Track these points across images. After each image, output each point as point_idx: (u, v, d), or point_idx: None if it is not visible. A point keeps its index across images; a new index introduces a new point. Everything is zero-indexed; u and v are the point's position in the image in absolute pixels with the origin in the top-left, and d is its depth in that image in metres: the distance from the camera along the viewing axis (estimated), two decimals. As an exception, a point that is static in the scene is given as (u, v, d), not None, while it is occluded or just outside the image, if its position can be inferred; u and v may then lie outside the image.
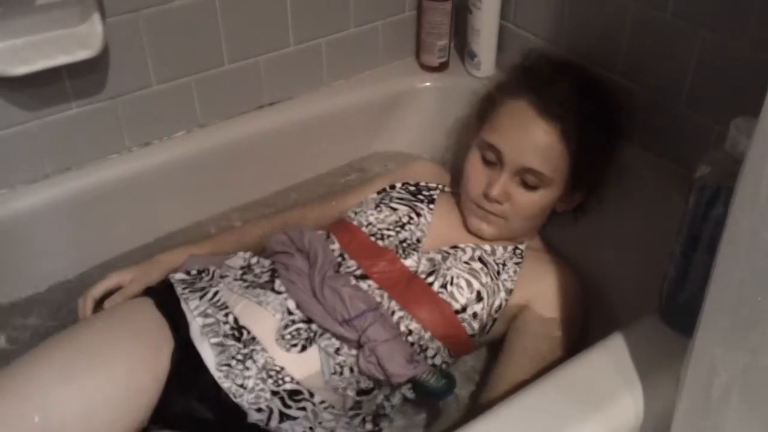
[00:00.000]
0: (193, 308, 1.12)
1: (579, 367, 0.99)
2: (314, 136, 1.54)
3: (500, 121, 1.24)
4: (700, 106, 1.23)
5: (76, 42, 1.21)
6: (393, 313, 1.14)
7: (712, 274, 0.78)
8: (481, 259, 1.22)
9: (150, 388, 1.04)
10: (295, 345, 1.08)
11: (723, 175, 0.87)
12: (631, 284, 1.24)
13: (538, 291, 1.23)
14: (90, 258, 1.37)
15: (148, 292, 1.17)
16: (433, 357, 1.16)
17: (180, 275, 1.19)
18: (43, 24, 1.19)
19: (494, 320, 1.20)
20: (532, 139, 1.20)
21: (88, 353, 1.02)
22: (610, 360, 0.99)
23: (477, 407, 1.14)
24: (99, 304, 1.19)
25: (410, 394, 1.11)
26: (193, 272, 1.20)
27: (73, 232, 1.34)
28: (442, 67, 1.64)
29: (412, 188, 1.36)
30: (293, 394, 1.06)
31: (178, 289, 1.15)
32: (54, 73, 1.22)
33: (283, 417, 1.04)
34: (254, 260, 1.22)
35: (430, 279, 1.18)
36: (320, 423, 1.05)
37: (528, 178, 1.21)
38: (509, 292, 1.21)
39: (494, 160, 1.23)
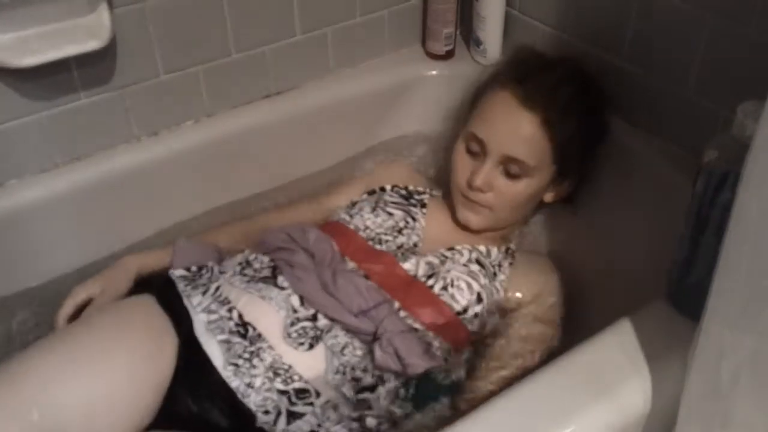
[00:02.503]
0: (195, 304, 1.11)
1: (587, 352, 0.99)
2: (321, 125, 1.54)
3: (483, 112, 1.25)
4: (708, 91, 1.23)
5: (84, 32, 1.21)
6: (398, 311, 1.14)
7: (720, 258, 0.78)
8: (478, 261, 1.22)
9: (153, 387, 1.03)
10: (302, 343, 1.07)
11: (731, 160, 0.87)
12: (640, 269, 1.24)
13: (527, 290, 1.24)
14: (99, 247, 1.37)
15: (149, 288, 1.16)
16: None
17: (180, 272, 1.19)
18: (50, 14, 1.19)
19: (492, 318, 1.20)
20: (514, 128, 1.20)
21: (89, 352, 1.01)
22: (618, 344, 0.99)
23: (462, 402, 1.13)
24: (73, 319, 1.17)
25: (409, 392, 1.10)
26: (194, 269, 1.20)
27: (82, 221, 1.35)
28: (448, 55, 1.63)
29: (403, 192, 1.36)
30: (300, 392, 1.05)
31: (180, 286, 1.15)
32: (62, 63, 1.22)
33: (290, 417, 1.03)
34: (252, 257, 1.21)
35: (431, 282, 1.17)
36: (328, 418, 1.05)
37: (511, 168, 1.21)
38: (505, 291, 1.23)
39: (478, 151, 1.24)
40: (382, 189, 1.38)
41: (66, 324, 1.15)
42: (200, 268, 1.20)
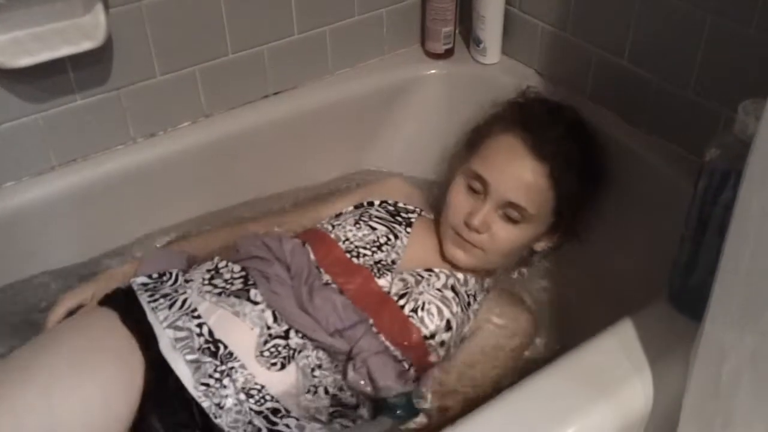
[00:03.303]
0: (162, 319, 1.08)
1: (589, 353, 0.99)
2: (320, 125, 1.54)
3: (489, 153, 1.23)
4: (709, 90, 1.22)
5: (80, 33, 1.20)
6: (372, 327, 1.12)
7: (722, 258, 0.78)
8: (453, 288, 1.20)
9: (125, 414, 1.00)
10: (274, 363, 1.05)
11: (732, 159, 0.86)
12: (641, 269, 1.23)
13: (497, 320, 1.22)
14: (96, 250, 1.37)
15: (109, 302, 1.13)
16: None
17: (141, 278, 1.16)
18: (46, 15, 1.19)
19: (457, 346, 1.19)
20: (520, 174, 1.19)
21: (61, 382, 0.98)
22: (619, 345, 0.99)
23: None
24: None
25: (369, 413, 1.09)
26: (155, 276, 1.17)
27: (79, 223, 1.34)
28: (447, 54, 1.63)
29: (390, 208, 1.34)
30: (275, 412, 1.04)
31: (143, 298, 1.12)
32: (58, 64, 1.21)
33: None
34: (222, 264, 1.19)
35: (402, 302, 1.15)
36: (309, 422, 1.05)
37: (511, 213, 1.20)
38: (474, 318, 1.21)
39: (479, 190, 1.22)
40: (370, 203, 1.35)
41: None
42: (161, 275, 1.17)
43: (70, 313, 1.17)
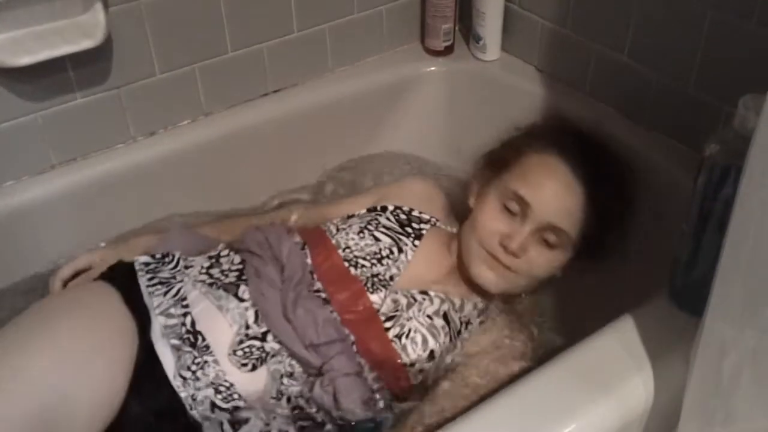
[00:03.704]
0: (156, 305, 1.09)
1: (589, 350, 0.98)
2: (320, 123, 1.54)
3: (530, 173, 1.17)
4: (709, 85, 1.22)
5: (79, 31, 1.20)
6: (352, 345, 1.09)
7: (722, 253, 0.77)
8: (445, 316, 1.16)
9: (125, 390, 1.01)
10: (245, 364, 1.05)
11: (732, 154, 0.86)
12: (641, 265, 1.23)
13: (483, 353, 1.18)
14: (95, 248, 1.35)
15: (112, 278, 1.13)
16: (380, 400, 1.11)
17: (145, 258, 1.16)
18: (45, 14, 1.19)
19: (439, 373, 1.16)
20: (563, 197, 1.15)
21: (72, 356, 0.98)
22: (620, 342, 0.99)
23: None
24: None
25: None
26: (158, 256, 1.17)
27: (79, 222, 1.34)
28: (447, 51, 1.62)
29: (403, 216, 1.28)
30: (239, 409, 1.04)
31: (143, 280, 1.12)
32: (57, 63, 1.21)
33: (235, 426, 1.02)
34: (225, 252, 1.19)
35: (388, 324, 1.12)
36: (274, 418, 1.04)
37: (549, 237, 1.15)
38: (462, 349, 1.18)
39: (517, 211, 1.16)
40: (384, 208, 1.29)
41: (60, 285, 1.19)
42: (165, 256, 1.17)
43: (76, 274, 1.20)
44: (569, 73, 1.46)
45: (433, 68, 1.62)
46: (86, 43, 1.20)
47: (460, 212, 1.32)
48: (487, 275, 1.18)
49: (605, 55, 1.36)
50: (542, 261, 1.17)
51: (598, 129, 1.26)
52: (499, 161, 1.25)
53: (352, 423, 1.05)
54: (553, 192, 1.15)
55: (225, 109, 1.45)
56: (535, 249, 1.16)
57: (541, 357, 1.19)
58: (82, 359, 0.99)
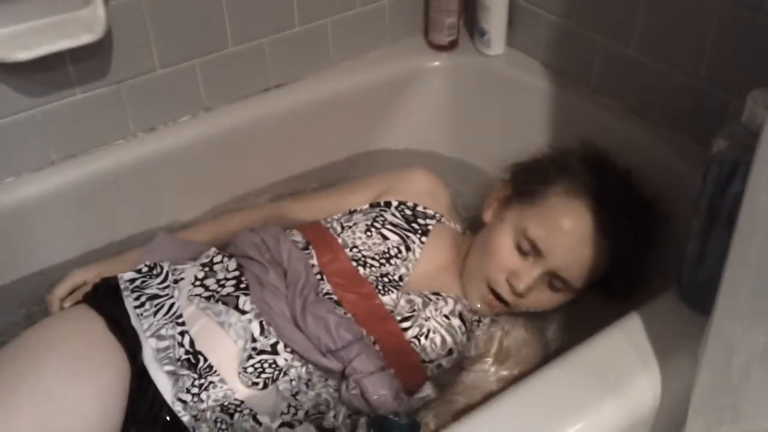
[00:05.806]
0: (146, 327, 1.04)
1: (597, 347, 0.98)
2: (322, 118, 1.53)
3: (551, 218, 1.14)
4: (717, 79, 1.20)
5: (79, 26, 1.19)
6: (373, 344, 1.08)
7: (731, 250, 0.77)
8: (461, 315, 1.15)
9: (118, 424, 0.99)
10: (256, 383, 1.01)
11: (741, 149, 0.85)
12: (649, 262, 1.22)
13: (498, 348, 1.17)
14: (96, 245, 1.36)
15: (95, 301, 1.08)
16: None
17: (129, 274, 1.11)
18: (45, 8, 1.18)
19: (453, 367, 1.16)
20: (580, 251, 1.13)
21: (60, 405, 0.95)
22: (627, 340, 0.98)
23: None
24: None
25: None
26: (144, 269, 1.12)
27: (79, 218, 1.34)
28: (451, 46, 1.61)
29: (408, 212, 1.25)
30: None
31: (129, 300, 1.07)
32: (57, 58, 1.20)
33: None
34: (218, 258, 1.15)
35: (405, 324, 1.10)
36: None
37: (556, 283, 1.15)
38: (476, 346, 1.17)
39: (529, 252, 1.14)
40: (387, 204, 1.27)
41: (58, 304, 1.16)
42: (151, 269, 1.12)
43: (75, 290, 1.18)
44: (575, 68, 1.45)
45: (436, 63, 1.61)
46: (86, 38, 1.19)
47: (466, 211, 1.31)
48: (482, 309, 1.20)
49: (612, 49, 1.35)
50: (544, 300, 1.18)
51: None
52: (523, 187, 1.21)
53: (391, 417, 1.02)
54: (568, 243, 1.13)
55: (226, 104, 1.45)
56: (539, 289, 1.16)
57: (548, 355, 1.19)
58: (72, 402, 0.96)
